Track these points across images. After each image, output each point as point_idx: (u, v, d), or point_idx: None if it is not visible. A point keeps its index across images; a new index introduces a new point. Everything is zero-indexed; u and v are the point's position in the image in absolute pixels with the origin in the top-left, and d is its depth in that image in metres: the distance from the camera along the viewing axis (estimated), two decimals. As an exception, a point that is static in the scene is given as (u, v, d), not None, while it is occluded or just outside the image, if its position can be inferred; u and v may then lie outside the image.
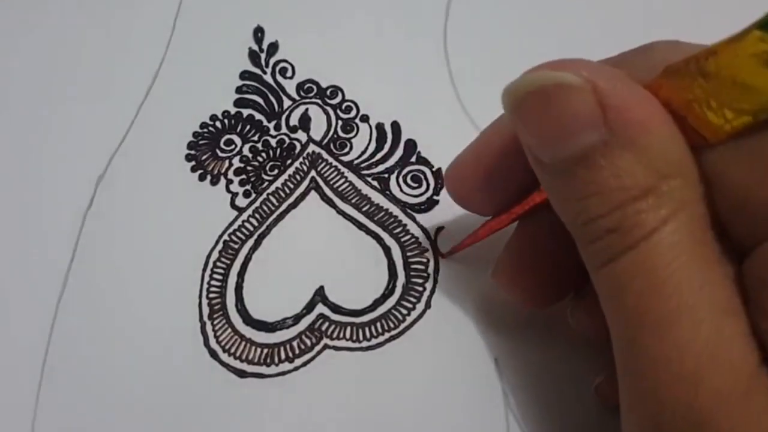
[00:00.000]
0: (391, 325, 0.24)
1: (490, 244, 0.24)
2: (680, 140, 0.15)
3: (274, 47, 0.29)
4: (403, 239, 0.25)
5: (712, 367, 0.14)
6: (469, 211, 0.23)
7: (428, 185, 0.26)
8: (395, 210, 0.26)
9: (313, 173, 0.27)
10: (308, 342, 0.24)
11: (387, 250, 0.25)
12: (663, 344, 0.14)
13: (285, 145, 0.27)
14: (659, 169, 0.15)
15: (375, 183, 0.26)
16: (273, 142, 0.27)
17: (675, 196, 0.15)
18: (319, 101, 0.28)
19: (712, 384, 0.14)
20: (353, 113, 0.28)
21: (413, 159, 0.27)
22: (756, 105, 0.14)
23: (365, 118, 0.28)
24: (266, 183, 0.26)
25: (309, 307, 0.24)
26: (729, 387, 0.14)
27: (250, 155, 0.27)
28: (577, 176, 0.15)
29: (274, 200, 0.26)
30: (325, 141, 0.27)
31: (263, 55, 0.29)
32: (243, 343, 0.24)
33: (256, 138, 0.27)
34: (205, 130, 0.28)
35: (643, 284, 0.15)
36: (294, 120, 0.28)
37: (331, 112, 0.28)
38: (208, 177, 0.27)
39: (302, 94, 0.28)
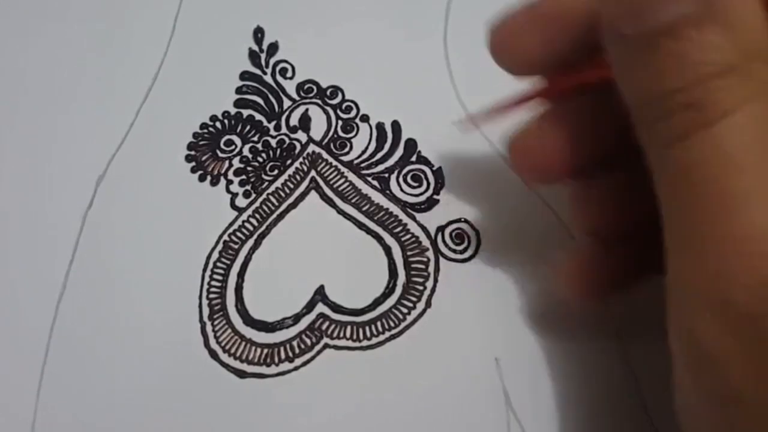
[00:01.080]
0: (392, 325, 0.24)
1: (487, 243, 0.24)
2: (766, 20, 0.15)
3: (274, 48, 0.29)
4: (403, 239, 0.25)
5: None
6: (501, 64, 0.21)
7: (428, 184, 0.26)
8: (395, 209, 0.26)
9: (313, 173, 0.26)
10: (308, 342, 0.23)
11: (387, 250, 0.25)
12: (736, 222, 0.14)
13: (285, 146, 0.27)
14: (747, 48, 0.14)
15: (375, 183, 0.26)
16: (273, 142, 0.27)
17: (760, 77, 0.14)
18: (319, 101, 0.28)
19: None
20: (353, 113, 0.28)
21: (413, 158, 0.27)
22: None
23: (365, 118, 0.28)
24: (266, 183, 0.26)
25: (309, 307, 0.24)
26: None
27: (250, 155, 0.27)
28: (661, 48, 0.15)
29: (274, 200, 0.26)
30: (325, 141, 0.27)
31: (263, 56, 0.29)
32: (243, 343, 0.24)
33: (256, 138, 0.27)
34: (205, 130, 0.28)
35: (719, 162, 0.14)
36: (294, 120, 0.28)
37: (331, 112, 0.28)
38: (208, 177, 0.27)
39: (302, 94, 0.28)
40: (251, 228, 0.25)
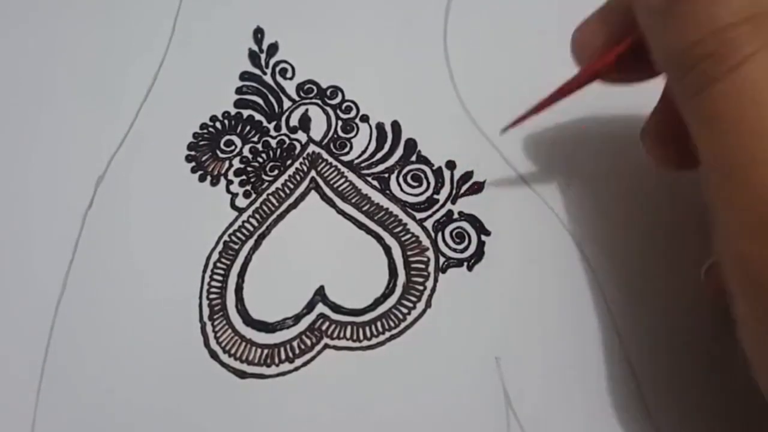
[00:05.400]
0: (392, 325, 0.24)
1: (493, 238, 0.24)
2: None
3: (274, 48, 0.29)
4: (403, 238, 0.25)
5: None
6: (579, 61, 0.22)
7: (428, 184, 0.26)
8: (395, 209, 0.26)
9: (313, 173, 0.26)
10: (308, 342, 0.23)
11: (387, 250, 0.25)
12: None
13: (285, 146, 0.27)
14: (758, 2, 0.16)
15: (375, 182, 0.26)
16: (273, 142, 0.27)
17: None
18: (319, 101, 0.28)
19: None
20: (353, 113, 0.28)
21: (413, 158, 0.27)
22: None
23: (365, 118, 0.28)
24: (266, 183, 0.26)
25: (309, 307, 0.24)
26: None
27: (250, 156, 0.27)
28: (682, 8, 0.16)
29: (274, 200, 0.26)
30: (325, 141, 0.27)
31: (263, 56, 0.29)
32: (243, 343, 0.24)
33: (256, 139, 0.27)
34: (205, 130, 0.28)
35: (743, 104, 0.16)
36: (294, 120, 0.28)
37: (331, 112, 0.28)
38: (208, 177, 0.27)
39: (302, 94, 0.28)
40: (251, 228, 0.25)
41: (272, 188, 0.26)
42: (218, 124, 0.28)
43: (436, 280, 0.24)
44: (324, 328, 0.24)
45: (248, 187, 0.26)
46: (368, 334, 0.23)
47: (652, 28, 0.18)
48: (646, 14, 0.18)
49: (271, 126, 0.28)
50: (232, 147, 0.27)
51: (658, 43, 0.18)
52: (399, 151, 0.27)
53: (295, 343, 0.23)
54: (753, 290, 0.16)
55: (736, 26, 0.16)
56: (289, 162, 0.27)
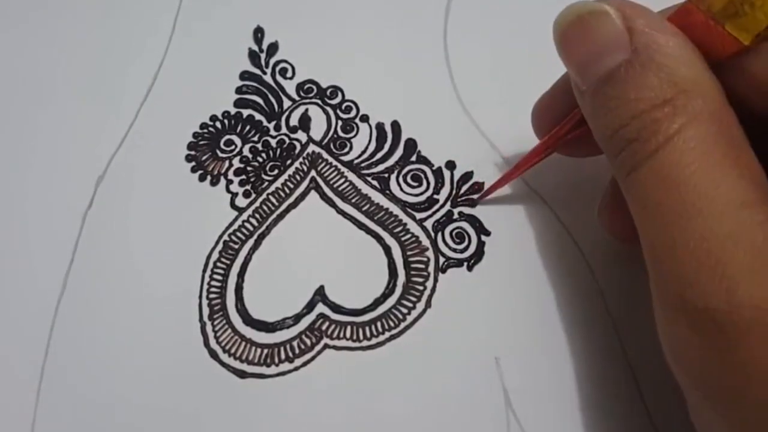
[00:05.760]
0: (392, 325, 0.24)
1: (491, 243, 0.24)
2: (697, 58, 0.17)
3: (274, 47, 0.29)
4: (403, 238, 0.25)
5: (737, 250, 0.15)
6: (539, 134, 0.24)
7: (428, 184, 0.26)
8: (395, 209, 0.26)
9: (313, 173, 0.26)
10: (308, 342, 0.23)
11: (387, 250, 0.25)
12: (686, 234, 0.16)
13: (285, 146, 0.27)
14: (677, 83, 0.16)
15: (375, 182, 0.26)
16: (273, 142, 0.27)
17: (689, 108, 0.16)
18: (319, 101, 0.28)
19: (738, 261, 0.15)
20: (353, 113, 0.28)
21: (413, 158, 0.27)
22: None
23: (365, 118, 0.28)
24: (266, 183, 0.26)
25: (309, 307, 0.24)
26: (757, 264, 0.15)
27: (250, 155, 0.27)
28: (606, 93, 0.17)
29: (274, 200, 0.26)
30: (325, 141, 0.27)
31: (263, 56, 0.29)
32: (243, 343, 0.24)
33: (256, 138, 0.27)
34: (205, 130, 0.28)
35: (665, 186, 0.16)
36: (294, 120, 0.28)
37: (331, 112, 0.28)
38: (208, 177, 0.27)
39: (302, 94, 0.28)
40: (251, 228, 0.25)
41: (272, 188, 0.26)
42: (218, 124, 0.28)
43: (436, 280, 0.24)
44: (324, 328, 0.24)
45: (248, 187, 0.26)
46: (368, 334, 0.23)
47: (584, 108, 0.19)
48: (578, 96, 0.19)
49: (271, 126, 0.28)
50: (232, 147, 0.27)
51: (593, 126, 0.19)
52: (399, 151, 0.27)
53: (295, 343, 0.23)
54: (677, 361, 0.17)
55: (656, 109, 0.16)
56: (289, 162, 0.27)
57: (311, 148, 0.27)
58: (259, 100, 0.28)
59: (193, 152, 0.27)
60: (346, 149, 0.27)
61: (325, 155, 0.27)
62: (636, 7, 0.18)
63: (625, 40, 0.17)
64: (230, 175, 0.27)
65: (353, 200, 0.26)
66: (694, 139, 0.16)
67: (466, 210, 0.25)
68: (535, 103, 0.24)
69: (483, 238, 0.25)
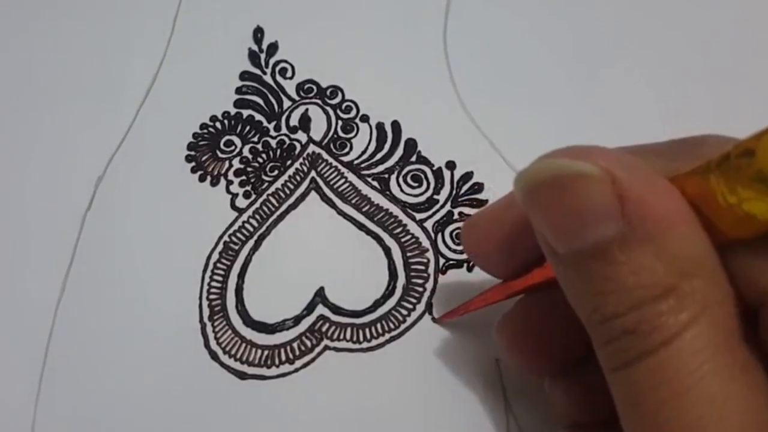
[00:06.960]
0: (392, 326, 0.24)
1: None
2: (703, 237, 0.14)
3: (273, 47, 0.29)
4: (403, 239, 0.25)
5: None
6: (485, 271, 0.21)
7: (428, 185, 0.26)
8: (395, 210, 0.26)
9: (313, 174, 0.26)
10: (309, 343, 0.23)
11: (387, 251, 0.25)
12: None
13: (285, 146, 0.27)
14: (680, 267, 0.14)
15: (375, 183, 0.26)
16: (273, 142, 0.27)
17: (697, 298, 0.14)
18: (319, 101, 0.28)
19: None
20: (353, 113, 0.28)
21: (413, 158, 0.27)
22: None
23: (365, 118, 0.28)
24: (266, 184, 0.26)
25: (309, 308, 0.24)
26: None
27: (250, 156, 0.27)
28: (593, 271, 0.15)
29: (274, 201, 0.26)
30: (325, 141, 0.27)
31: (263, 56, 0.29)
32: (243, 344, 0.24)
33: (256, 139, 0.27)
34: (205, 130, 0.28)
35: (664, 393, 0.14)
36: (294, 120, 0.28)
37: (331, 112, 0.28)
38: (208, 178, 0.27)
39: (302, 94, 0.28)
40: (251, 229, 0.25)
41: (272, 189, 0.26)
42: (218, 124, 0.28)
43: (436, 282, 0.24)
44: (324, 329, 0.24)
45: (248, 188, 0.26)
46: (368, 335, 0.23)
47: (561, 277, 0.16)
48: (550, 256, 0.16)
49: (271, 126, 0.28)
50: (232, 147, 0.27)
51: (572, 298, 0.16)
52: (399, 152, 0.27)
53: (295, 345, 0.23)
54: None
55: (660, 300, 0.14)
56: (289, 162, 0.27)
57: (311, 148, 0.27)
58: (259, 100, 0.28)
59: (193, 153, 0.27)
60: (346, 149, 0.27)
61: (325, 156, 0.27)
62: (627, 167, 0.14)
63: (615, 210, 0.14)
64: (230, 176, 0.27)
65: (353, 201, 0.26)
66: (701, 339, 0.14)
67: (467, 210, 0.25)
68: (468, 222, 0.21)
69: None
